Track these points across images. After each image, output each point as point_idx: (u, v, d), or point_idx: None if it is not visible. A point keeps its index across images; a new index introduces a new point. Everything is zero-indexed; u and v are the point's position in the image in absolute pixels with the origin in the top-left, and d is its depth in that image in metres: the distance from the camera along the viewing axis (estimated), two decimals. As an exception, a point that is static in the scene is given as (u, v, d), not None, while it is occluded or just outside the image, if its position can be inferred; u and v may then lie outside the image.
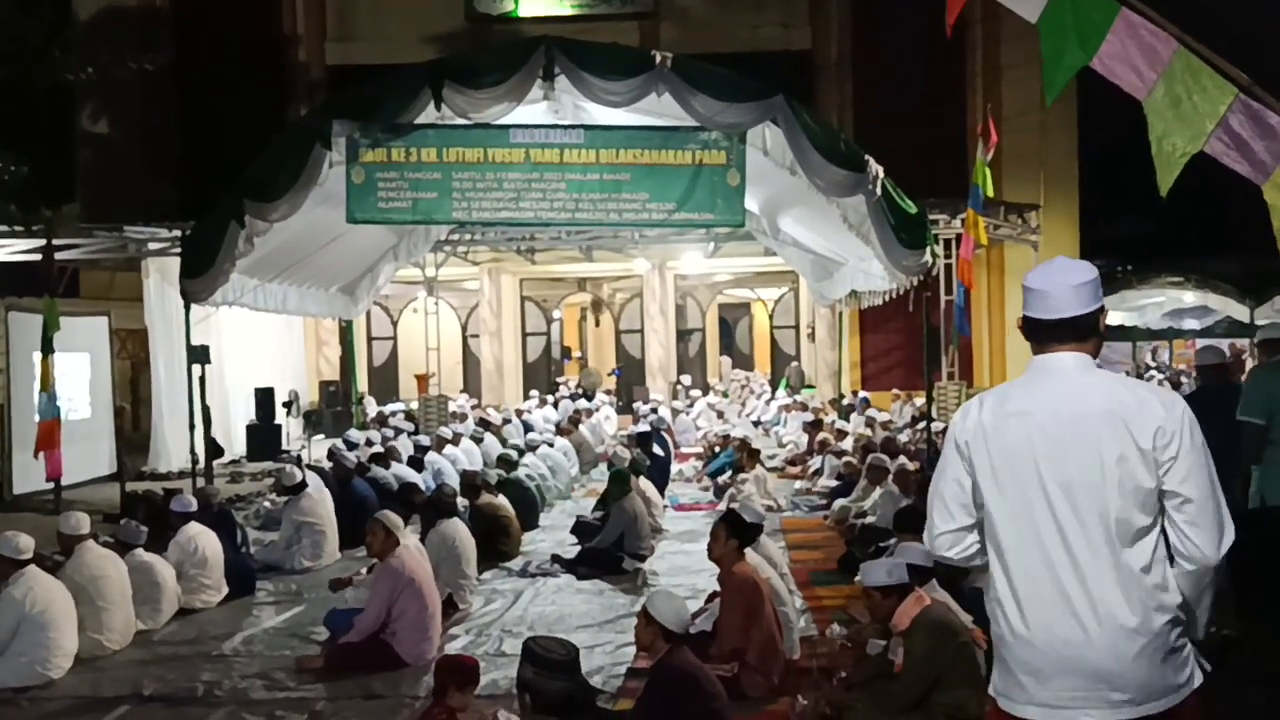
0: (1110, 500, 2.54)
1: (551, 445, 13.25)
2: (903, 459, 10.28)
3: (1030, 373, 2.76)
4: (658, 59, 9.89)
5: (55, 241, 13.52)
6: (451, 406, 17.74)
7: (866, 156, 9.73)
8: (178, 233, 14.48)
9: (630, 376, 23.42)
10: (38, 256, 14.10)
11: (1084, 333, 2.69)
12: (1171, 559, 2.57)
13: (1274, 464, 5.63)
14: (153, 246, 15.46)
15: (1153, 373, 25.29)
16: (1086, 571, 2.54)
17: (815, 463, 13.45)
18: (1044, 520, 2.58)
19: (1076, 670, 2.54)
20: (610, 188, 11.06)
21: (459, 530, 7.95)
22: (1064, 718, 2.57)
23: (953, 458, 2.75)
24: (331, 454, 11.74)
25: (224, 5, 20.83)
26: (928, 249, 10.01)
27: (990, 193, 13.37)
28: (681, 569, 8.84)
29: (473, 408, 18.47)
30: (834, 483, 11.84)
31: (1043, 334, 2.72)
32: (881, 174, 9.70)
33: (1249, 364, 14.37)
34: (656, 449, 12.67)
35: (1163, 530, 2.57)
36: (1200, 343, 11.05)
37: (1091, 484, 2.54)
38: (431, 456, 12.12)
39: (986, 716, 2.82)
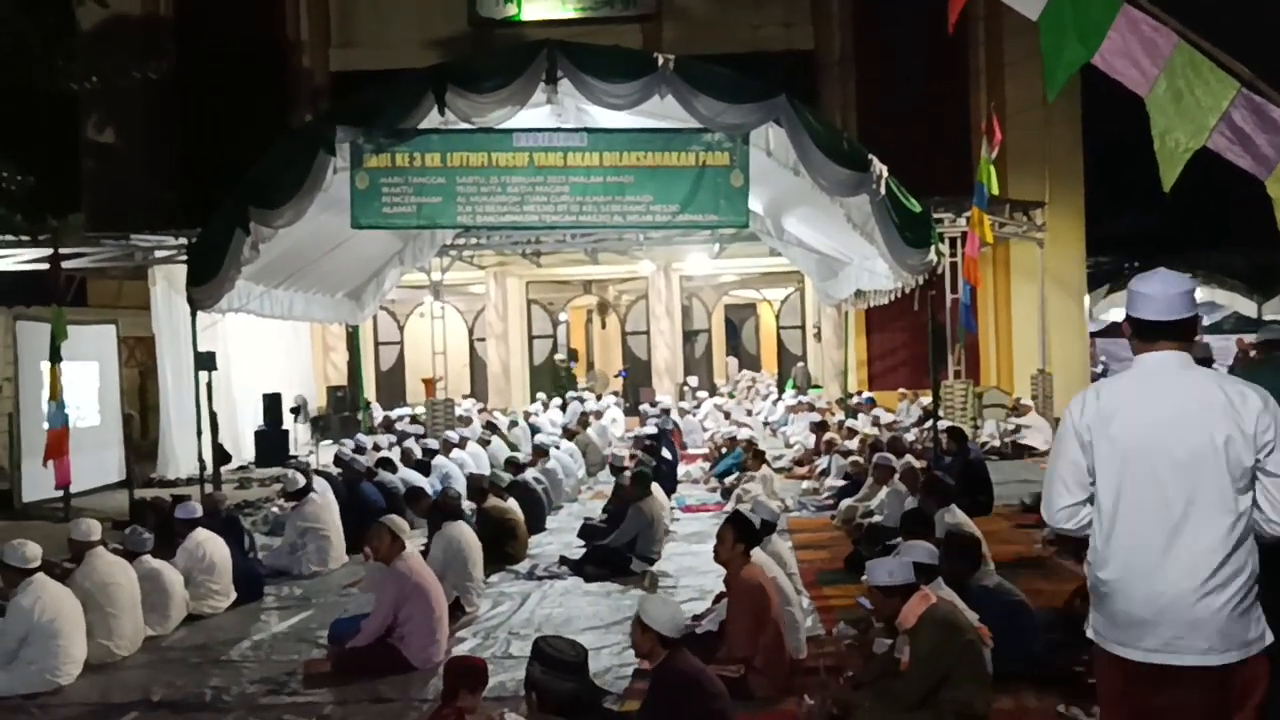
0: (1216, 477, 2.96)
1: (558, 448, 13.24)
2: (909, 458, 10.26)
3: (1138, 368, 3.16)
4: (660, 61, 9.91)
5: (62, 250, 13.58)
6: (458, 410, 17.78)
7: (870, 155, 9.73)
8: (184, 240, 14.55)
9: (637, 378, 23.44)
10: (45, 266, 14.16)
11: (1185, 334, 3.12)
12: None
13: None
14: (159, 254, 15.52)
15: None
16: (1190, 538, 2.97)
17: (822, 463, 13.43)
18: (1154, 494, 3.01)
19: (1174, 620, 2.97)
20: (614, 190, 11.08)
21: (464, 533, 7.96)
22: (1161, 659, 3.01)
23: (1071, 441, 3.15)
24: (338, 459, 11.77)
25: (227, 12, 20.88)
26: (932, 247, 10.00)
27: (995, 190, 13.36)
28: (689, 570, 8.84)
29: (479, 411, 18.48)
30: (841, 482, 11.82)
31: (1150, 334, 3.13)
32: (885, 173, 9.70)
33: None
34: (664, 452, 12.67)
35: (1253, 503, 2.99)
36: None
37: (1201, 463, 2.97)
38: (439, 460, 12.13)
39: (1095, 660, 3.25)
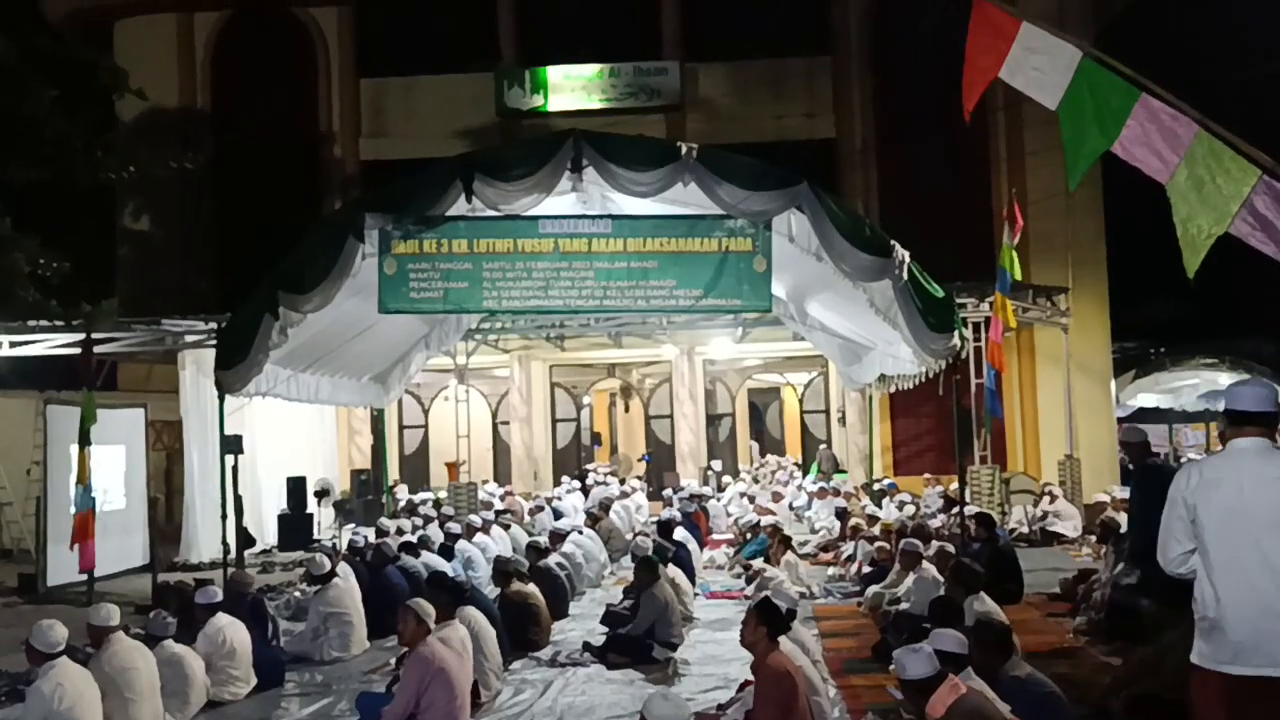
0: None
1: (581, 533, 13.16)
2: (936, 543, 10.14)
3: (1229, 450, 4.02)
4: (683, 150, 10.07)
5: (94, 335, 13.77)
6: (481, 494, 17.74)
7: (892, 241, 9.79)
8: (214, 325, 14.73)
9: (660, 462, 23.35)
10: (77, 350, 14.37)
11: (1267, 424, 3.98)
12: None
13: None
14: (189, 339, 15.71)
15: (1191, 455, 24.88)
16: (1277, 574, 3.76)
17: (847, 549, 13.29)
18: (1246, 543, 3.82)
19: (1270, 638, 3.75)
20: (638, 275, 11.18)
21: (476, 615, 7.87)
22: (1257, 671, 3.77)
23: (1179, 506, 4.01)
24: (352, 546, 11.73)
25: (261, 104, 21.49)
26: (956, 332, 9.99)
27: (1018, 276, 13.40)
28: (713, 658, 8.71)
29: (503, 496, 18.42)
30: (867, 569, 11.67)
31: (1240, 421, 4.00)
32: (908, 258, 9.75)
33: None
34: (685, 536, 12.55)
35: None
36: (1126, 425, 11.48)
37: (1276, 519, 3.79)
38: (462, 544, 12.08)
39: (1193, 679, 4.00)
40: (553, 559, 11.17)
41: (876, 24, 21.03)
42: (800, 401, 25.08)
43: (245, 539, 13.16)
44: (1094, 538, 13.00)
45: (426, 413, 24.29)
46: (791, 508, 18.63)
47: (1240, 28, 19.92)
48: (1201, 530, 3.92)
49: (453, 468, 20.02)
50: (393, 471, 20.89)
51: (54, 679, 6.07)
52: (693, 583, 11.32)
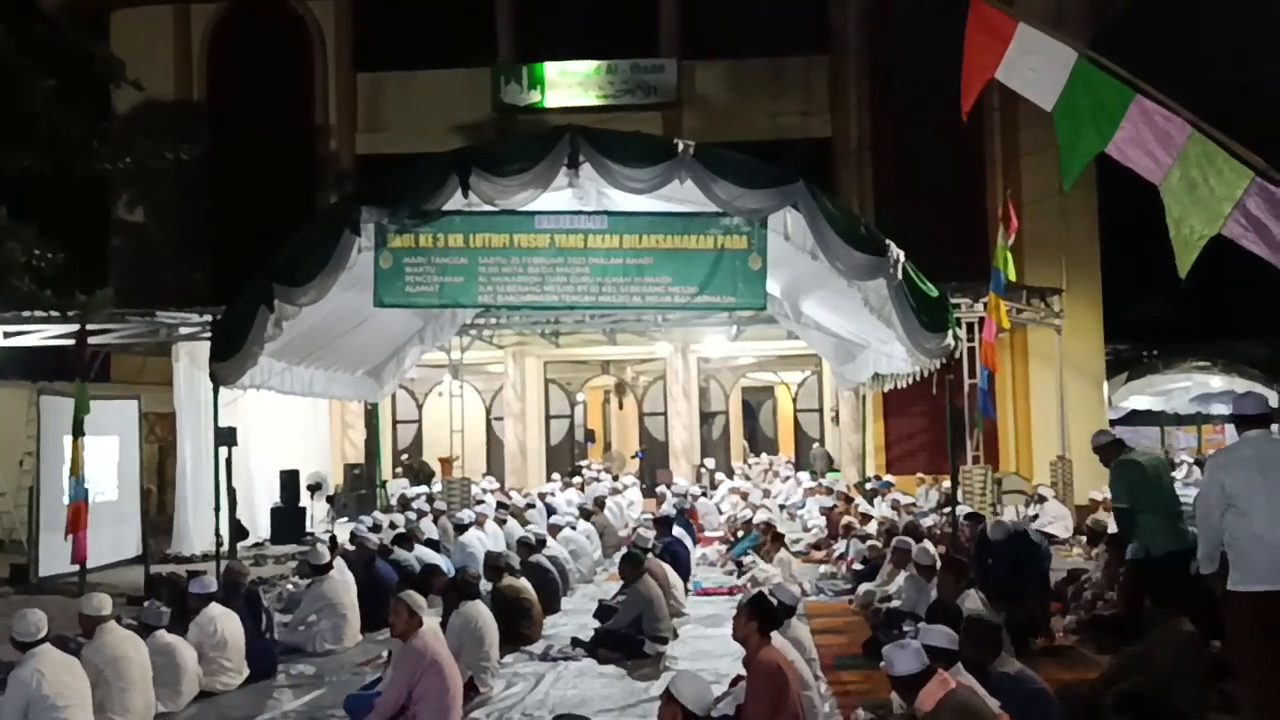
0: None
1: (574, 528, 13.18)
2: (927, 543, 10.17)
3: (1243, 440, 5.49)
4: (680, 147, 10.09)
5: (88, 326, 13.74)
6: (474, 490, 17.74)
7: (887, 240, 9.82)
8: (209, 317, 14.71)
9: (654, 459, 23.38)
10: (71, 341, 14.33)
11: (1266, 422, 5.46)
12: None
13: (1147, 527, 7.40)
14: (183, 331, 15.69)
15: (1183, 457, 24.94)
16: None
17: (839, 546, 13.33)
18: (1262, 502, 5.21)
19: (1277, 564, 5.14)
20: (633, 272, 11.18)
21: (481, 613, 7.91)
22: (1270, 588, 5.16)
23: (1214, 482, 5.47)
24: (354, 536, 11.74)
25: (257, 97, 21.45)
26: (949, 332, 10.02)
27: (1012, 276, 13.42)
28: (704, 654, 8.73)
29: (494, 491, 18.40)
30: (858, 566, 11.71)
31: (1248, 423, 5.47)
32: (902, 257, 9.78)
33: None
34: (680, 533, 12.58)
35: None
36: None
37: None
38: (465, 537, 12.05)
39: (1231, 600, 5.33)
40: (544, 554, 11.18)
41: (874, 23, 21.04)
42: (794, 400, 25.11)
43: (238, 531, 13.15)
44: (1084, 538, 13.06)
45: (420, 408, 24.30)
46: (783, 506, 18.65)
47: (1239, 30, 19.98)
48: (1229, 493, 5.33)
49: (446, 463, 20.02)
50: (386, 466, 20.88)
51: (32, 665, 6.03)
52: (686, 579, 11.35)
